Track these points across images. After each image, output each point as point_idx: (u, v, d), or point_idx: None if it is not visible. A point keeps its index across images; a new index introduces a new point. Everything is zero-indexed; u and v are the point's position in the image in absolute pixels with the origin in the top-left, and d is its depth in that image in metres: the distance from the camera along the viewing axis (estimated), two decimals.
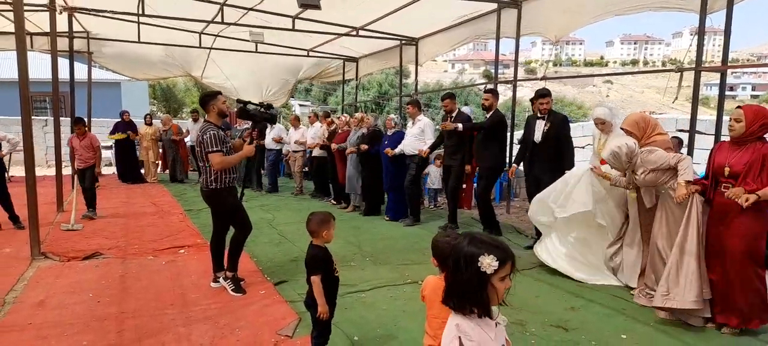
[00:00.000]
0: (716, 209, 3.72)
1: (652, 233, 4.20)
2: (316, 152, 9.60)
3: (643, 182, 4.12)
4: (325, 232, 3.11)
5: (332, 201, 9.38)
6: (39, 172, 8.13)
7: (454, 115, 7.01)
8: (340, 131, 8.87)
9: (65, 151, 9.36)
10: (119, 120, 12.40)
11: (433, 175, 8.82)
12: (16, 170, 12.40)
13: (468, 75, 71.97)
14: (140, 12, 8.53)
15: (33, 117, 13.70)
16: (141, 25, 9.98)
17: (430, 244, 2.53)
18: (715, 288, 3.74)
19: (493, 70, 8.81)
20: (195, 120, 12.65)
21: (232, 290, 4.50)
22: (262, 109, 4.81)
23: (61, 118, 9.57)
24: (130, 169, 12.28)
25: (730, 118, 3.63)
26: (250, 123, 5.08)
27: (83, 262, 5.38)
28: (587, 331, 3.74)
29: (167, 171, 13.06)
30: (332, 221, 3.16)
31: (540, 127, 5.95)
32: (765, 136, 3.59)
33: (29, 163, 5.42)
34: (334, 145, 8.64)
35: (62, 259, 5.42)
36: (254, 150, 4.75)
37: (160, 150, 12.94)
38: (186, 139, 12.69)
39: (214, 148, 4.34)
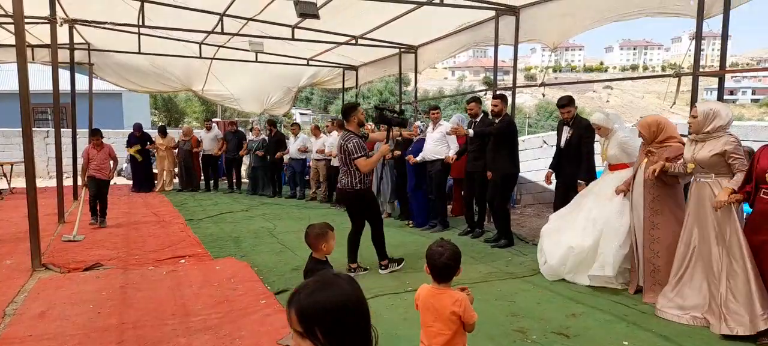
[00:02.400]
0: (755, 216, 3.59)
1: (687, 237, 4.08)
2: (335, 161, 9.56)
3: (703, 158, 3.90)
4: (323, 245, 3.09)
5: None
6: (40, 183, 8.15)
7: (478, 119, 6.96)
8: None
9: (66, 162, 9.38)
10: (132, 132, 12.43)
11: None
12: (18, 182, 12.43)
13: (468, 82, 72.12)
14: (140, 23, 8.58)
15: (34, 129, 13.75)
16: (141, 36, 10.02)
17: (425, 253, 2.55)
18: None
19: (492, 77, 8.84)
20: (208, 129, 12.65)
21: (398, 265, 5.44)
22: (396, 114, 5.57)
23: (62, 130, 9.59)
24: (144, 180, 12.37)
25: None
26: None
27: (84, 273, 5.38)
28: (589, 337, 3.73)
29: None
30: (330, 232, 3.14)
31: (565, 133, 6.05)
32: None
33: (30, 174, 5.44)
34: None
35: (63, 270, 5.43)
36: (390, 149, 5.59)
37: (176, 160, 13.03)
38: (199, 150, 12.64)
39: (360, 154, 5.05)
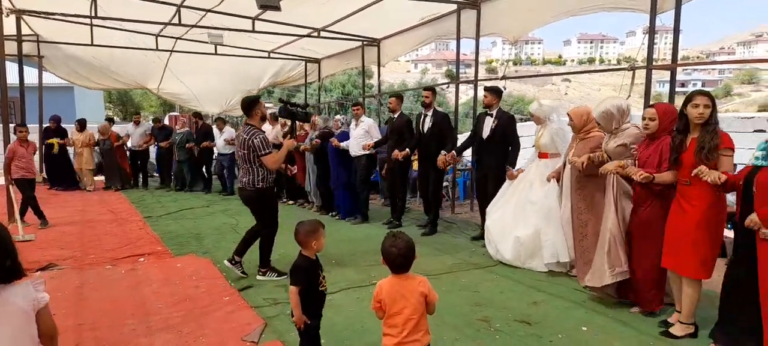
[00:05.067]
0: (635, 195, 4.00)
1: (611, 222, 4.27)
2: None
3: (610, 149, 4.22)
4: (314, 242, 2.98)
5: (290, 202, 9.47)
6: None
7: (395, 115, 7.22)
8: (298, 132, 8.82)
9: None
10: (47, 126, 11.38)
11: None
12: None
13: (431, 75, 72.59)
14: (93, 14, 8.28)
15: None
16: (94, 27, 9.68)
17: (381, 249, 2.63)
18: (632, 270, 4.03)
19: (455, 70, 8.92)
20: (137, 123, 11.88)
21: (277, 276, 4.97)
22: (300, 108, 5.40)
23: (10, 125, 9.18)
24: (61, 175, 11.43)
25: (645, 117, 3.86)
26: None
27: (37, 274, 5.17)
28: (549, 324, 3.84)
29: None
30: (321, 229, 3.04)
31: (488, 124, 6.17)
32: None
33: None
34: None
35: None
36: (295, 144, 5.36)
37: (98, 158, 12.13)
38: (127, 144, 11.91)
39: (267, 150, 4.77)
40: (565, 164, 4.85)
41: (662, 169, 3.68)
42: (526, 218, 5.23)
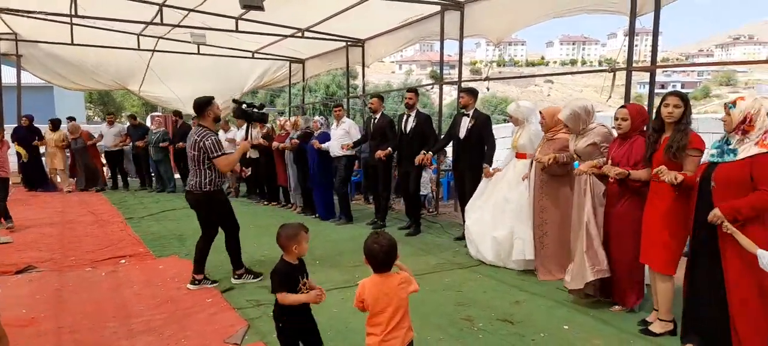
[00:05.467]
0: (608, 193, 4.06)
1: (590, 221, 4.35)
2: (250, 153, 9.21)
3: (580, 149, 4.34)
4: (294, 246, 2.86)
5: (273, 203, 9.43)
6: None
7: (377, 115, 7.24)
8: (279, 133, 8.81)
9: None
10: (19, 125, 10.95)
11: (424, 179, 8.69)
12: None
13: (415, 76, 72.70)
14: (73, 13, 8.15)
15: None
16: (74, 26, 9.53)
17: (363, 249, 2.62)
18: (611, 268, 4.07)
19: (439, 71, 8.96)
20: (111, 123, 11.62)
21: (253, 278, 4.91)
22: (256, 109, 5.14)
23: None
24: (35, 177, 11.12)
25: (617, 117, 3.95)
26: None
27: (15, 276, 5.09)
28: (532, 323, 3.87)
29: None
30: (304, 233, 2.92)
31: (465, 124, 6.23)
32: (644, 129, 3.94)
33: None
34: (275, 144, 8.55)
35: None
36: (250, 146, 5.18)
37: (69, 158, 11.70)
38: (99, 144, 11.64)
39: (219, 153, 4.61)
40: (532, 163, 4.95)
41: (636, 168, 3.75)
42: (503, 218, 5.28)
